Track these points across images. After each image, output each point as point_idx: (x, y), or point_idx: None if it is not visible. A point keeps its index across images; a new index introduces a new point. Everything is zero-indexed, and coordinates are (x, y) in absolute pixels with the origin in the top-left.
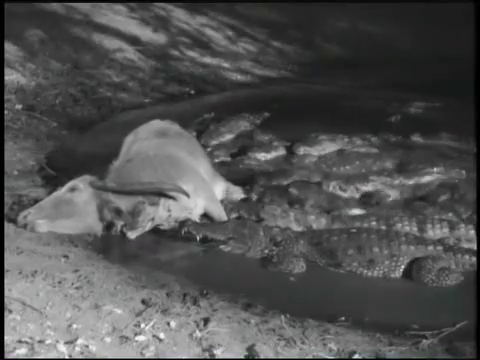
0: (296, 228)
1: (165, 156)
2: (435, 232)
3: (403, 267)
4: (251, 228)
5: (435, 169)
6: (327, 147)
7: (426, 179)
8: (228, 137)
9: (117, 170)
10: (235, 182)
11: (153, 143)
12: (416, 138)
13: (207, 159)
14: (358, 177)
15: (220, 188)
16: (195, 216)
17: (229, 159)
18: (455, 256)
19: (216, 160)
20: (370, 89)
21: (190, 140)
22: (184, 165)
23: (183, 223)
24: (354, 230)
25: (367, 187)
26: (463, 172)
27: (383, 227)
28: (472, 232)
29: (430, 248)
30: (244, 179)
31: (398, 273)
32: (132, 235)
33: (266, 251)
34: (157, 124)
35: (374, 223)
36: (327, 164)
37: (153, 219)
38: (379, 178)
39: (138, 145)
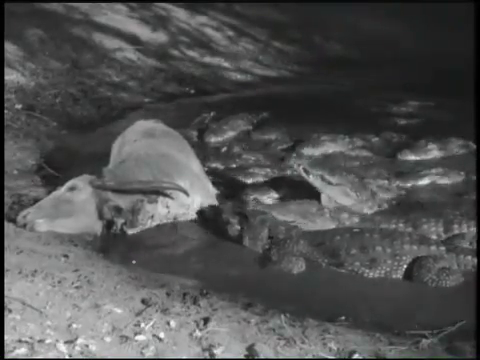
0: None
1: (158, 155)
2: (462, 231)
3: (405, 267)
4: (261, 222)
5: (433, 171)
6: (329, 148)
7: (424, 182)
8: (230, 134)
9: (111, 171)
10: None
11: (143, 143)
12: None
13: (195, 156)
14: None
15: (210, 184)
16: (192, 212)
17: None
18: (457, 257)
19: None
20: (370, 89)
21: (177, 138)
22: (178, 162)
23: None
24: (357, 230)
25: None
26: (462, 173)
27: (409, 229)
28: None
29: (433, 248)
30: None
31: (400, 273)
32: (132, 233)
33: (267, 246)
34: (143, 125)
35: (401, 225)
36: None
37: (152, 216)
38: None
39: (128, 147)
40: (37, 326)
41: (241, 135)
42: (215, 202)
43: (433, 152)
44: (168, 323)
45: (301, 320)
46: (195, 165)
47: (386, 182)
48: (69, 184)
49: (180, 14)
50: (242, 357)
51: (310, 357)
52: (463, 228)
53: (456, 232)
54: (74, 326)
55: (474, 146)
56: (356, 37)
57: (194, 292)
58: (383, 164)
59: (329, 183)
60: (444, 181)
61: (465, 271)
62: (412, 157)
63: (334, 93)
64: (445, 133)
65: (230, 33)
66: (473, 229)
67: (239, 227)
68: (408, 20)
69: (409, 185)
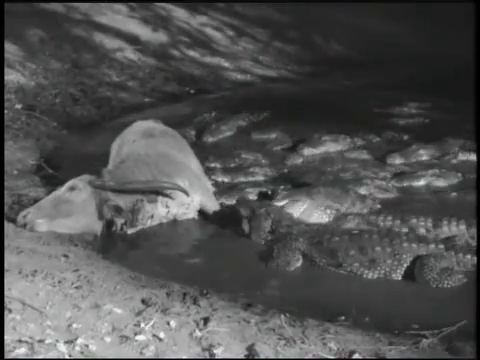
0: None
1: (158, 155)
2: (451, 229)
3: (405, 266)
4: (266, 213)
5: (430, 172)
6: (330, 148)
7: (420, 183)
8: (227, 134)
9: (111, 172)
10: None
11: (142, 144)
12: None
13: (194, 155)
14: None
15: (209, 183)
16: (192, 211)
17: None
18: (456, 255)
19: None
20: (370, 89)
21: (176, 138)
22: (177, 162)
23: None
24: (356, 231)
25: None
26: (459, 175)
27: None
28: None
29: (432, 246)
30: None
31: (400, 272)
32: (132, 233)
33: (268, 239)
34: (142, 125)
35: (389, 221)
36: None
37: (152, 216)
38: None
39: (128, 147)
40: (37, 326)
41: (239, 135)
42: (215, 201)
43: (424, 156)
44: (168, 323)
45: (301, 320)
46: (194, 164)
47: (383, 183)
48: (69, 184)
49: (180, 14)
50: (242, 357)
51: (310, 357)
52: (452, 227)
53: (445, 229)
54: (74, 326)
55: (473, 146)
56: (356, 37)
57: (194, 292)
58: (381, 164)
59: (310, 206)
60: (440, 182)
61: (465, 270)
62: (402, 161)
63: (334, 93)
64: (445, 133)
65: (230, 33)
66: (462, 227)
67: (247, 218)
68: (408, 20)
69: (405, 186)
